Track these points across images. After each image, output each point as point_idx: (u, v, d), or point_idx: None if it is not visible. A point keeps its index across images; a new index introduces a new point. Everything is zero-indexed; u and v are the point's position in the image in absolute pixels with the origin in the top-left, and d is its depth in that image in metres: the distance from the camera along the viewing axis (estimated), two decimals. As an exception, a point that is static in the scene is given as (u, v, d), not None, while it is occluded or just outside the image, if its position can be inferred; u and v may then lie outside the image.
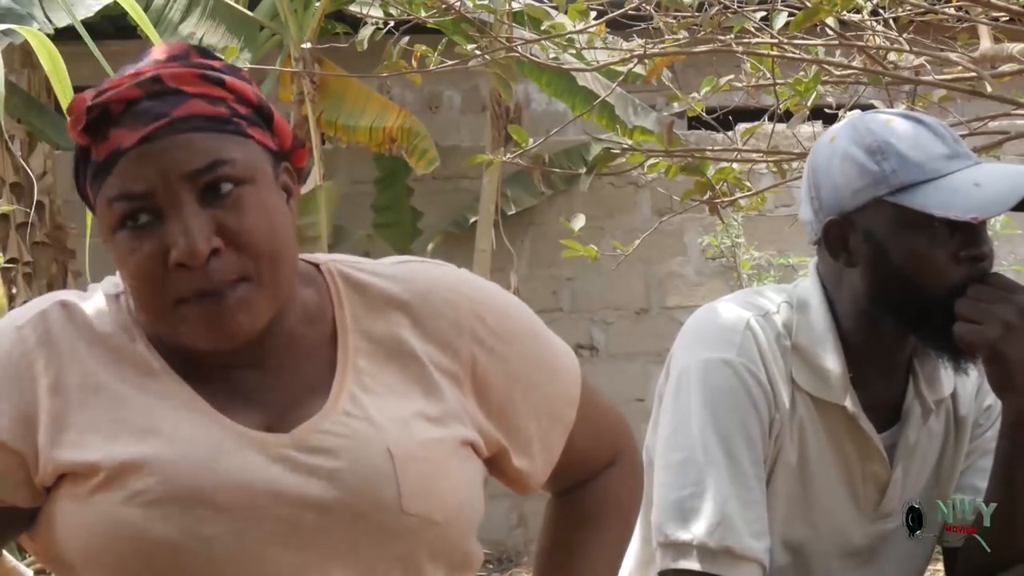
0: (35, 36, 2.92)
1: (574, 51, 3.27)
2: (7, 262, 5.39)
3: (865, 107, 2.96)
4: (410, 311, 1.32)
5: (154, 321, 1.23)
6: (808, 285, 1.72)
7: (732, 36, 2.76)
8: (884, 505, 1.74)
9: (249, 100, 1.25)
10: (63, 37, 4.20)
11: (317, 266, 1.33)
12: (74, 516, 1.21)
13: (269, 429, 1.24)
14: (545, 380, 1.39)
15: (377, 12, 3.19)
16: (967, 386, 1.78)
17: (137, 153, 1.18)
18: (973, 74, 2.97)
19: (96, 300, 1.28)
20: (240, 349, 1.23)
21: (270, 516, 1.19)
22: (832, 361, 1.67)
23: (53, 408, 1.21)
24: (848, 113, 3.11)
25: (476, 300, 1.36)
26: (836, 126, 1.72)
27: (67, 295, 1.28)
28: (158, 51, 1.25)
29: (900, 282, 1.62)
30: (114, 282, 1.30)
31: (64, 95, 2.82)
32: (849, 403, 1.68)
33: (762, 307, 1.71)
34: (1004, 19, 3.09)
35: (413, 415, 1.27)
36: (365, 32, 2.99)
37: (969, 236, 1.60)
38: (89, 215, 6.87)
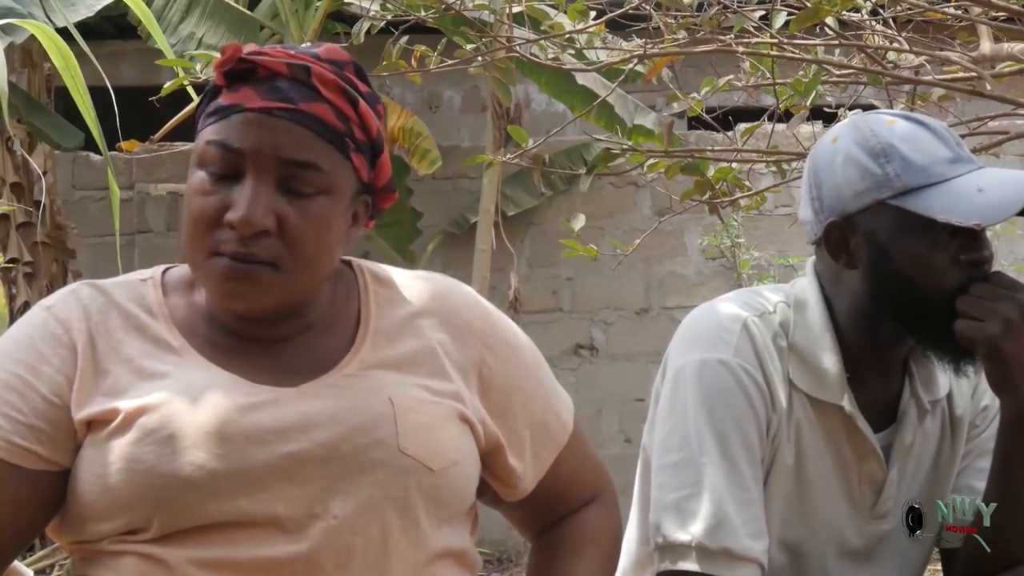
0: (42, 31, 2.91)
1: (574, 51, 3.27)
2: (7, 262, 5.39)
3: (865, 107, 2.96)
4: (429, 305, 1.44)
5: (191, 262, 1.35)
6: (805, 285, 1.72)
7: (732, 36, 2.76)
8: (880, 506, 1.73)
9: (369, 131, 1.38)
10: (63, 37, 4.19)
11: (349, 263, 1.47)
12: (94, 460, 1.29)
13: (279, 387, 1.34)
14: (543, 398, 1.50)
15: (377, 10, 3.18)
16: (963, 387, 1.78)
17: (253, 117, 1.31)
18: (973, 74, 2.97)
19: (122, 283, 1.40)
20: (260, 325, 1.36)
21: (276, 451, 1.28)
22: (829, 361, 1.67)
23: (85, 369, 1.32)
24: (849, 113, 3.11)
25: (488, 312, 1.49)
26: (837, 126, 1.72)
27: (92, 280, 1.40)
28: (323, 48, 1.38)
29: (900, 284, 1.62)
30: (140, 271, 1.43)
31: (75, 88, 2.81)
32: (846, 403, 1.68)
33: (759, 307, 1.71)
34: (1003, 19, 3.08)
35: (416, 385, 1.37)
36: (361, 26, 2.98)
37: (970, 240, 1.60)
38: (90, 215, 6.88)
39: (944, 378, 1.74)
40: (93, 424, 1.30)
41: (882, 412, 1.72)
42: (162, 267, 1.44)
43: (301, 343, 1.38)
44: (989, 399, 1.77)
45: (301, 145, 1.31)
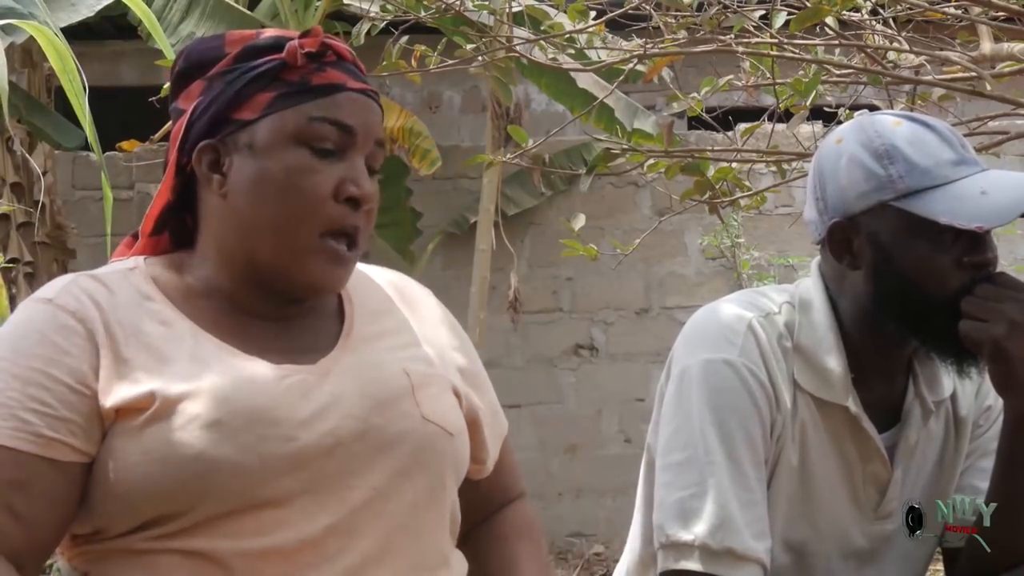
0: (41, 32, 2.91)
1: (573, 51, 3.27)
2: (8, 262, 5.39)
3: (865, 107, 2.96)
4: (395, 291, 1.51)
5: (287, 242, 1.33)
6: (810, 285, 1.72)
7: (732, 36, 2.76)
8: (884, 506, 1.74)
9: None
10: (64, 37, 4.20)
11: None
12: (129, 448, 1.26)
13: (295, 365, 1.35)
14: (489, 387, 1.55)
15: (377, 11, 3.18)
16: (967, 387, 1.78)
17: (357, 98, 1.36)
18: (973, 74, 2.97)
19: (113, 272, 1.38)
20: (280, 305, 1.38)
21: (318, 429, 1.30)
22: (834, 361, 1.67)
23: (108, 356, 1.29)
24: (849, 112, 3.11)
25: (441, 305, 1.56)
26: (842, 127, 1.71)
27: (83, 272, 1.38)
28: (297, 33, 1.39)
29: (903, 286, 1.62)
30: (118, 262, 1.42)
31: (73, 91, 2.80)
32: (851, 403, 1.68)
33: (763, 307, 1.71)
34: (1003, 18, 3.08)
35: (414, 355, 1.42)
36: (361, 27, 2.99)
37: (973, 242, 1.60)
38: (90, 215, 6.84)
39: (948, 378, 1.74)
40: (123, 412, 1.27)
41: (886, 412, 1.72)
42: (140, 257, 1.42)
43: (298, 322, 1.40)
44: (993, 399, 1.77)
45: (380, 125, 1.38)
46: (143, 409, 1.26)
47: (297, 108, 1.33)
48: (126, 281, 1.37)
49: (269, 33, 1.38)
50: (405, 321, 1.47)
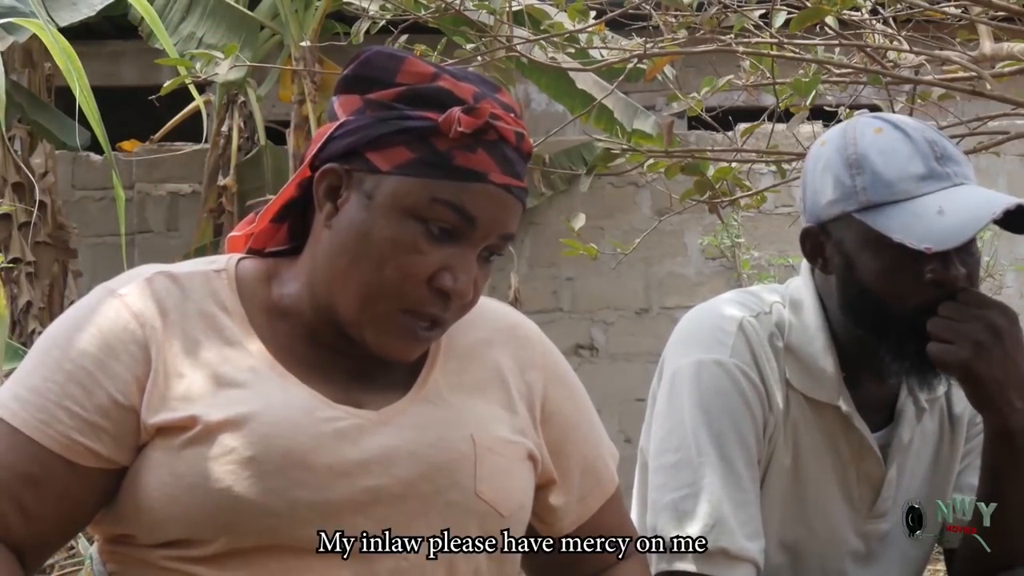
0: (44, 32, 2.91)
1: (573, 50, 3.27)
2: (9, 262, 5.39)
3: (865, 107, 2.96)
4: (498, 332, 1.43)
5: (366, 306, 1.27)
6: (801, 285, 1.72)
7: (732, 36, 2.76)
8: (879, 505, 1.73)
9: None
10: (65, 37, 4.20)
11: None
12: (163, 466, 1.25)
13: (357, 407, 1.30)
14: (595, 442, 1.49)
15: (376, 10, 3.19)
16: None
17: (495, 192, 1.27)
18: (973, 74, 2.97)
19: (196, 274, 1.34)
20: (352, 341, 1.31)
21: (355, 484, 1.26)
22: (825, 361, 1.67)
23: (159, 370, 1.27)
24: (848, 112, 3.12)
25: (552, 348, 1.49)
26: (832, 129, 1.71)
27: (164, 267, 1.34)
28: (504, 94, 1.32)
29: (866, 296, 1.61)
30: (210, 259, 1.37)
31: (80, 88, 2.81)
32: (843, 403, 1.67)
33: (755, 307, 1.71)
34: (1003, 18, 3.08)
35: (493, 417, 1.36)
36: (361, 26, 2.99)
37: (936, 259, 1.57)
38: (90, 215, 6.83)
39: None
40: (164, 430, 1.25)
41: (880, 411, 1.72)
42: (235, 257, 1.38)
43: (375, 359, 1.33)
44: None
45: (516, 220, 1.31)
46: (184, 430, 1.24)
47: (428, 182, 1.26)
48: (207, 287, 1.33)
49: (446, 82, 1.29)
50: (496, 371, 1.40)
